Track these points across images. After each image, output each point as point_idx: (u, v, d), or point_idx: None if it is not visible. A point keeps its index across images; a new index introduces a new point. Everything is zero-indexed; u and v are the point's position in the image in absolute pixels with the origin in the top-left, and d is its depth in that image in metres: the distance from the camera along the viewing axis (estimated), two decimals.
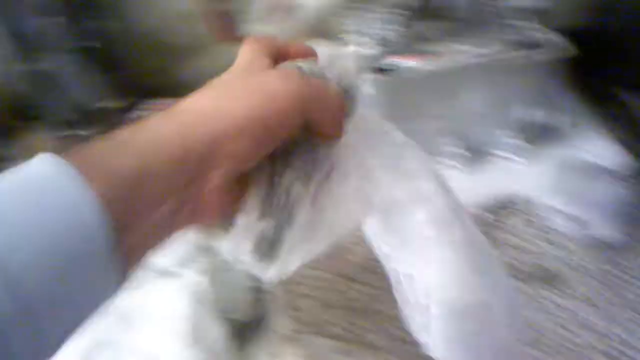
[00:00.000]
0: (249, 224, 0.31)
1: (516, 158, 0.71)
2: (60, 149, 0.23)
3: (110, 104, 0.68)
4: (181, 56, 0.78)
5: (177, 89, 0.77)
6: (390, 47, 0.64)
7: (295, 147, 0.32)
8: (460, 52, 0.65)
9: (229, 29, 0.78)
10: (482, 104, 0.67)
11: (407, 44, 0.65)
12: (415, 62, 0.64)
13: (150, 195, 0.24)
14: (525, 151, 0.70)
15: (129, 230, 0.23)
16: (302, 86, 0.29)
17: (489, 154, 0.71)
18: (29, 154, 0.22)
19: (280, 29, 0.76)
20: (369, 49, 0.65)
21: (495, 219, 0.64)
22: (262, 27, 0.76)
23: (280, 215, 0.31)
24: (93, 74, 0.66)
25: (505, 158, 0.71)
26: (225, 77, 0.32)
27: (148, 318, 0.51)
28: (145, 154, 0.24)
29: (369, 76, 0.64)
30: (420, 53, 0.65)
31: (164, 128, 0.26)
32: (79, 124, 0.69)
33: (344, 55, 0.35)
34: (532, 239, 0.63)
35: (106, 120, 0.70)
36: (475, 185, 0.69)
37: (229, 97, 0.28)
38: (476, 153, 0.70)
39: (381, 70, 0.65)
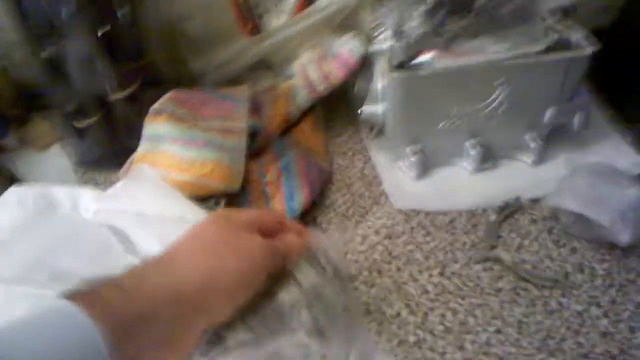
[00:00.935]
0: None
1: (528, 159, 0.70)
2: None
3: (115, 93, 0.67)
4: (198, 47, 0.78)
5: (190, 80, 0.76)
6: (414, 42, 0.62)
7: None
8: (484, 49, 0.63)
9: (250, 22, 0.77)
10: (502, 103, 0.65)
11: (431, 40, 0.62)
12: (437, 58, 0.63)
13: (147, 339, 0.29)
14: (538, 151, 0.69)
15: None
16: (271, 261, 0.37)
17: (503, 154, 0.71)
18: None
19: (304, 23, 0.75)
20: (391, 43, 0.64)
21: (501, 218, 0.64)
22: (286, 20, 0.76)
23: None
24: (101, 62, 0.63)
25: (519, 159, 0.71)
26: (210, 228, 0.37)
27: None
28: (145, 302, 0.29)
29: (391, 72, 0.63)
30: (444, 49, 0.63)
31: (161, 279, 0.31)
32: (82, 114, 0.68)
33: (333, 241, 0.44)
34: (536, 238, 0.63)
35: (109, 110, 0.68)
36: (485, 185, 0.68)
37: (216, 256, 0.35)
38: (491, 153, 0.69)
39: (402, 66, 0.63)
